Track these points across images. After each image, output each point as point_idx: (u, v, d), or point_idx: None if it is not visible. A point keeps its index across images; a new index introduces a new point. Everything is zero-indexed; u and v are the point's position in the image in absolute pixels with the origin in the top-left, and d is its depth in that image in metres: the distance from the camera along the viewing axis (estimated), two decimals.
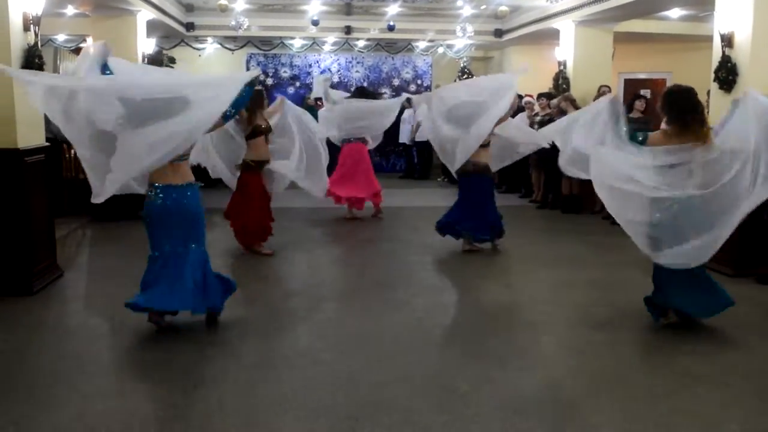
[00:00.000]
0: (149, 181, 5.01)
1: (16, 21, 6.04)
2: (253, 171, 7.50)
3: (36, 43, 6.30)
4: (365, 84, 16.07)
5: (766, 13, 6.83)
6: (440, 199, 8.73)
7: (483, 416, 3.87)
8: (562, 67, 12.13)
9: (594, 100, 10.28)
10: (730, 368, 4.57)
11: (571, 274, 6.95)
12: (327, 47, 16.07)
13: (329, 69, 16.72)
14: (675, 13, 12.26)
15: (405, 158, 16.27)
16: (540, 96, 11.47)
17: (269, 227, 7.73)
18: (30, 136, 6.28)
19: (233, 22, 13.17)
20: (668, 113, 5.14)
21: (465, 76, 15.68)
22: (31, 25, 6.22)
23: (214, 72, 14.66)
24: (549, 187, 11.26)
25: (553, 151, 10.55)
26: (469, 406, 3.99)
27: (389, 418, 3.83)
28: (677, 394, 4.17)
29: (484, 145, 7.47)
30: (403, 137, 15.33)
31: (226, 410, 3.91)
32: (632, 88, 15.61)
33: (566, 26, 11.92)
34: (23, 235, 6.11)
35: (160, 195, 4.96)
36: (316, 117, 10.66)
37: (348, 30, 14.66)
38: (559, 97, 10.71)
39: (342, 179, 9.78)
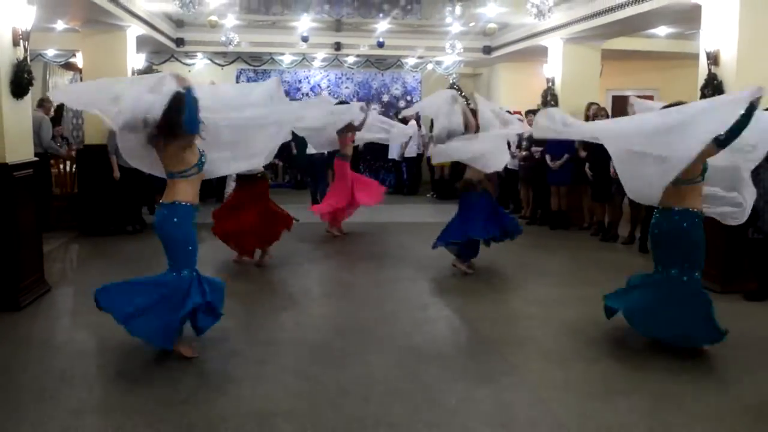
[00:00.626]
0: (186, 199, 4.94)
1: (5, 36, 6.04)
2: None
3: (25, 58, 6.30)
4: (354, 100, 16.13)
5: (751, 31, 6.93)
6: (429, 214, 8.71)
7: (470, 431, 3.87)
8: (550, 84, 12.20)
9: (585, 116, 10.35)
10: (718, 386, 4.60)
11: (560, 290, 6.97)
12: (317, 63, 16.14)
13: (319, 85, 16.79)
14: (662, 31, 12.36)
15: (394, 174, 16.30)
16: (528, 112, 11.52)
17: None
18: (18, 151, 6.27)
19: (223, 38, 13.19)
20: None
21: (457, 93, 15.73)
22: (21, 40, 6.22)
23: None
24: (538, 202, 11.30)
25: (540, 166, 10.67)
26: (457, 421, 3.99)
27: None
28: (664, 410, 4.18)
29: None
30: (393, 153, 15.34)
31: (212, 425, 3.89)
32: (620, 105, 15.72)
33: (554, 43, 12.01)
34: (10, 249, 6.08)
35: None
36: (305, 144, 10.71)
37: (338, 46, 14.72)
38: None
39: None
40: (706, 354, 5.11)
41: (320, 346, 5.33)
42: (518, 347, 5.35)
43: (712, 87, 7.15)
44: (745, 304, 6.46)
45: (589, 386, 4.57)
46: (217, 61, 15.61)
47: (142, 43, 11.55)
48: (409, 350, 5.22)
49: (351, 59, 15.84)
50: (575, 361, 5.06)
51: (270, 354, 5.05)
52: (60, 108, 15.05)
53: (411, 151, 14.92)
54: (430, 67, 16.50)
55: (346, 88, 16.95)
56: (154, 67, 14.62)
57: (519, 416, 4.09)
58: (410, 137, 14.59)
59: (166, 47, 13.72)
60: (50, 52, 13.69)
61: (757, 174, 6.25)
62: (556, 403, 4.27)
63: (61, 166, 10.51)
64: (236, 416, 4.01)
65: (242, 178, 7.92)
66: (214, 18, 12.44)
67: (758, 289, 6.60)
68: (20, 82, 6.18)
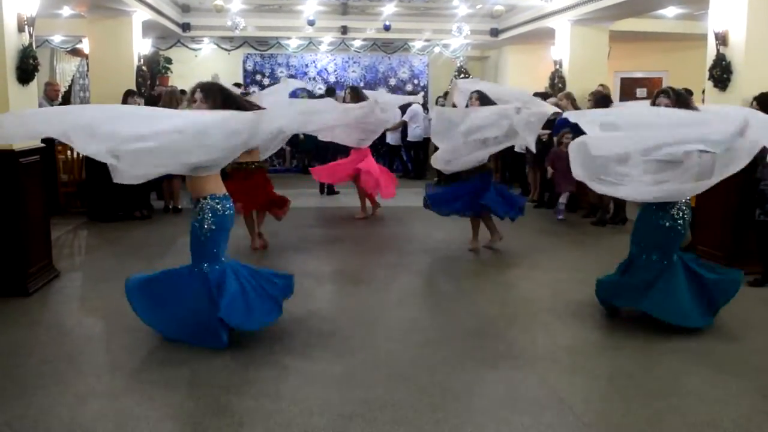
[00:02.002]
0: (209, 192, 4.99)
1: (10, 22, 6.03)
2: None
3: (30, 44, 6.29)
4: (362, 84, 16.06)
5: (760, 12, 6.86)
6: None
7: (477, 415, 3.88)
8: (557, 67, 12.15)
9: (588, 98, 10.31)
10: (725, 366, 4.59)
11: (566, 273, 6.96)
12: (323, 47, 16.09)
13: (326, 69, 16.74)
14: (670, 11, 12.27)
15: (398, 159, 16.10)
16: (535, 95, 11.45)
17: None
18: None
19: (229, 23, 13.18)
20: None
21: (462, 75, 15.67)
22: (26, 26, 6.21)
23: (209, 71, 14.63)
24: (546, 186, 11.27)
25: (549, 150, 10.62)
26: (463, 405, 4.00)
27: (382, 416, 3.84)
28: (671, 392, 4.19)
29: None
30: (389, 137, 15.10)
31: (219, 409, 3.91)
32: (628, 87, 15.64)
33: (562, 25, 11.94)
34: (18, 235, 6.11)
35: (228, 205, 5.06)
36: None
37: (344, 30, 14.68)
38: (560, 94, 10.72)
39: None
40: (714, 335, 5.11)
41: (326, 330, 5.33)
42: (525, 330, 5.35)
43: (721, 68, 7.10)
44: (751, 288, 6.43)
45: (596, 369, 4.57)
46: (223, 46, 15.60)
47: (148, 28, 11.55)
48: (414, 333, 5.23)
49: (357, 43, 15.78)
50: (582, 343, 5.06)
51: (275, 338, 5.07)
52: (68, 92, 15.09)
53: (417, 136, 14.82)
54: (437, 50, 16.41)
55: (353, 71, 16.90)
56: (161, 52, 14.62)
57: (525, 399, 4.09)
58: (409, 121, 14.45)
59: (173, 32, 13.71)
60: (57, 38, 13.72)
61: (763, 158, 6.19)
62: (562, 386, 4.27)
63: (69, 152, 10.52)
64: (242, 401, 4.03)
65: (235, 168, 7.43)
66: (219, 2, 12.42)
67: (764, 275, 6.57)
68: (26, 68, 6.18)
